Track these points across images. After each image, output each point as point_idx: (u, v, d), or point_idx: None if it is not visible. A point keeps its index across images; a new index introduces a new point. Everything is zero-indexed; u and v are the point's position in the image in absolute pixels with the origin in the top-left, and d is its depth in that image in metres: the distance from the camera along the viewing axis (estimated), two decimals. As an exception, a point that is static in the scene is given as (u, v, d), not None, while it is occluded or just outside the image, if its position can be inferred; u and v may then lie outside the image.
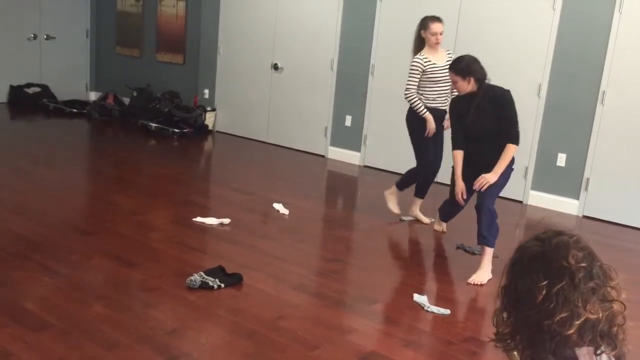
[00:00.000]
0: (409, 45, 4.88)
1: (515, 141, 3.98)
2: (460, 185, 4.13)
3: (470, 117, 4.02)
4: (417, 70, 4.71)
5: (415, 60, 4.73)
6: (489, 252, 3.98)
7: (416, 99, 4.74)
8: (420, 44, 4.78)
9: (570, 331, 1.34)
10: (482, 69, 4.01)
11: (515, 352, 1.50)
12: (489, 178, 3.95)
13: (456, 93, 4.28)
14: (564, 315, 1.34)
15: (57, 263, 3.69)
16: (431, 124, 4.75)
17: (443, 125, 4.88)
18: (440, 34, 4.73)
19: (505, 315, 1.47)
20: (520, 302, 1.41)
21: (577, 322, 1.34)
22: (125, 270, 3.68)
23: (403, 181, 5.08)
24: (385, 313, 3.44)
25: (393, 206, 5.07)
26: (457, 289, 3.93)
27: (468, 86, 4.00)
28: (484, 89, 4.01)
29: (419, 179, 5.03)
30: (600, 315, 1.35)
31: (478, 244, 4.07)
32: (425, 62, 4.71)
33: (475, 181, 3.99)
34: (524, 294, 1.39)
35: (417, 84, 4.74)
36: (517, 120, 4.00)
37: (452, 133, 4.22)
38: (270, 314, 3.26)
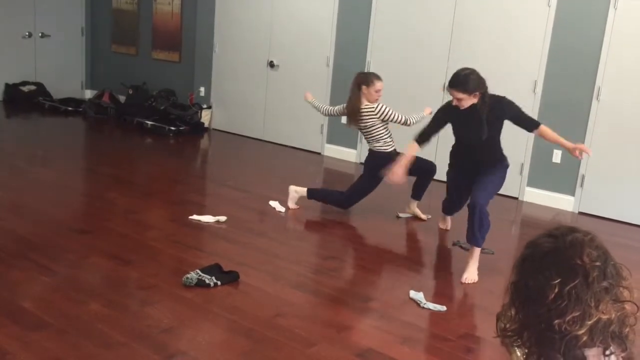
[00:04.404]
0: (405, 42, 4.88)
1: (539, 122, 4.09)
2: (399, 171, 4.14)
3: (483, 131, 3.99)
4: (387, 108, 4.78)
5: (378, 105, 4.77)
6: (477, 251, 4.01)
7: (412, 116, 4.86)
8: (358, 96, 4.78)
9: (581, 331, 1.31)
10: (482, 79, 3.96)
11: (518, 351, 1.47)
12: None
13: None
14: (575, 314, 1.31)
15: (54, 262, 3.69)
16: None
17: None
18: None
19: (513, 311, 1.43)
20: (530, 300, 1.37)
21: (589, 322, 1.31)
22: (121, 269, 3.68)
23: (416, 191, 5.13)
24: (381, 310, 3.44)
25: (419, 214, 5.16)
26: (453, 286, 3.94)
27: (473, 100, 3.96)
28: (488, 98, 3.98)
29: (421, 182, 5.11)
30: (613, 315, 1.32)
31: (467, 242, 4.09)
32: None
33: (576, 150, 3.95)
34: (535, 291, 1.35)
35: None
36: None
37: (426, 127, 4.22)
38: (267, 312, 3.27)
